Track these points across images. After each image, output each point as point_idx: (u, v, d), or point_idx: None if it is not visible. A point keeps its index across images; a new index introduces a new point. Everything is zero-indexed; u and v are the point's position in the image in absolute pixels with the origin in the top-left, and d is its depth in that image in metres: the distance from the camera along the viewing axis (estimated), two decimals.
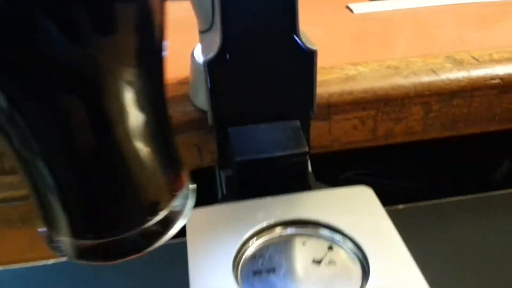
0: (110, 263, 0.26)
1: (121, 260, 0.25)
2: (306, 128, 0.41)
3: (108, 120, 0.22)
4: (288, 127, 0.40)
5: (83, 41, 0.20)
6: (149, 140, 0.24)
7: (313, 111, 0.40)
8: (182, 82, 0.48)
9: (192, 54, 0.46)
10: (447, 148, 0.63)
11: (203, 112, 0.45)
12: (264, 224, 0.36)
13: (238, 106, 0.40)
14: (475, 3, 0.67)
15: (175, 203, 0.26)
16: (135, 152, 0.24)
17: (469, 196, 0.55)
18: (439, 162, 0.65)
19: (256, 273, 0.33)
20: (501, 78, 0.48)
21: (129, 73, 0.22)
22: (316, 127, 0.47)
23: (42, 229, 0.27)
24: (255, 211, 0.37)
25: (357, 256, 0.33)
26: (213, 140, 0.46)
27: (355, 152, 0.51)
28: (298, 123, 0.40)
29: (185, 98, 0.46)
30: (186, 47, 0.49)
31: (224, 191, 0.45)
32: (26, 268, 0.51)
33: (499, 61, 0.49)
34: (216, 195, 0.57)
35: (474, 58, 0.50)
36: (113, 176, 0.24)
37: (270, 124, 0.41)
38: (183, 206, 0.27)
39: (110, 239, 0.25)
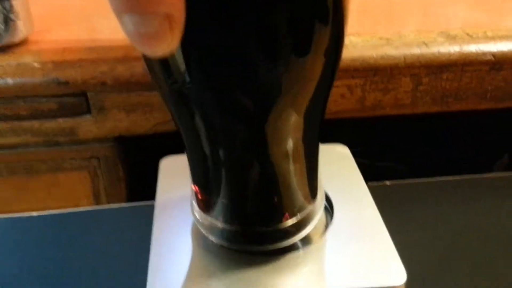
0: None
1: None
2: None
3: (269, 141, 0.25)
4: None
5: (279, 62, 0.22)
6: (302, 158, 0.28)
7: None
8: None
9: None
10: (440, 127, 0.63)
11: None
12: None
13: None
14: None
15: (308, 209, 0.29)
16: (287, 167, 0.27)
17: (458, 177, 0.55)
18: (432, 141, 0.65)
19: None
20: (494, 54, 0.48)
21: (304, 97, 0.24)
22: None
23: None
24: None
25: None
26: None
27: (343, 124, 0.50)
28: None
29: None
30: None
31: None
32: (11, 219, 0.51)
33: (493, 38, 0.49)
34: None
35: (467, 34, 0.49)
36: (266, 182, 0.28)
37: None
38: (314, 212, 0.30)
39: (254, 229, 0.29)
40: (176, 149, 0.60)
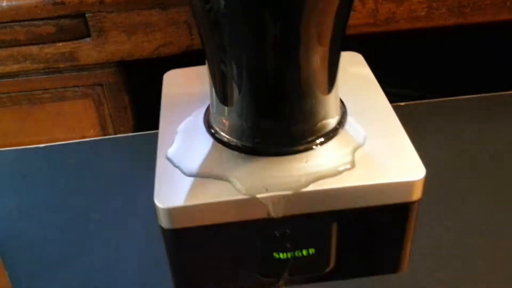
0: None
1: None
2: None
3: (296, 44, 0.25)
4: None
5: None
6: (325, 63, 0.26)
7: None
8: None
9: None
10: (457, 44, 0.60)
11: None
12: None
13: None
14: None
15: (327, 114, 0.28)
16: (312, 71, 0.26)
17: (472, 96, 0.52)
18: (446, 59, 0.62)
19: None
20: None
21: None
22: None
23: None
24: None
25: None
26: None
27: (355, 40, 0.48)
28: None
29: None
30: None
31: None
32: (18, 151, 0.50)
33: None
34: None
35: None
36: (291, 87, 0.27)
37: None
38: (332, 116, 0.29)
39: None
40: None
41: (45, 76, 0.47)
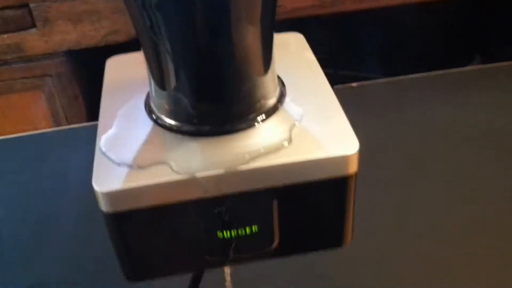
0: None
1: None
2: None
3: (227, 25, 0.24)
4: None
5: None
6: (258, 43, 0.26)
7: None
8: None
9: None
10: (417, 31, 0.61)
11: None
12: None
13: None
14: None
15: (263, 91, 0.28)
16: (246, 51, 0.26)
17: (427, 74, 0.53)
18: (399, 39, 0.63)
19: None
20: None
21: None
22: None
23: None
24: None
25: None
26: None
27: (302, 24, 0.49)
28: None
29: None
30: None
31: None
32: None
33: None
34: None
35: None
36: (225, 69, 0.26)
37: None
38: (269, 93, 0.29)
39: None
40: None
41: None
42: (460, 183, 0.40)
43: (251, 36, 0.27)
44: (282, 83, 0.31)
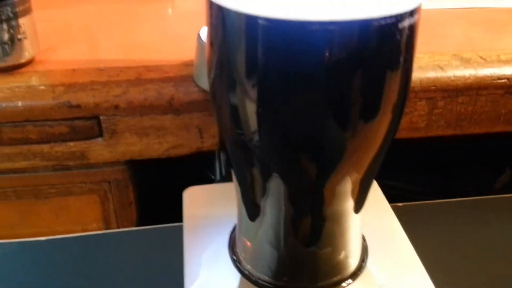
0: None
1: None
2: None
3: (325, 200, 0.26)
4: None
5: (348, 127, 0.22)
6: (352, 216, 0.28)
7: None
8: (187, 64, 0.48)
9: (199, 36, 0.46)
10: (450, 151, 0.63)
11: (207, 93, 0.44)
12: None
13: None
14: (484, 8, 0.66)
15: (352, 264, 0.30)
16: (339, 224, 0.28)
17: (469, 198, 0.55)
18: (442, 164, 0.65)
19: None
20: (508, 78, 0.48)
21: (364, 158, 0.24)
22: None
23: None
24: None
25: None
26: (215, 123, 0.45)
27: None
28: None
29: (189, 78, 0.46)
30: (192, 31, 0.49)
31: (224, 174, 0.44)
32: (18, 244, 0.50)
33: (507, 62, 0.49)
34: (215, 180, 0.57)
35: (481, 57, 0.49)
36: (317, 239, 0.28)
37: None
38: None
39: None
40: (185, 172, 0.59)
41: (53, 172, 0.47)
42: None
43: (349, 207, 0.28)
44: (364, 240, 0.32)
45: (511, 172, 0.77)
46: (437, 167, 0.68)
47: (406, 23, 0.20)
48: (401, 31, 0.20)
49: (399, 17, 0.20)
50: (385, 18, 0.19)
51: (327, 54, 0.20)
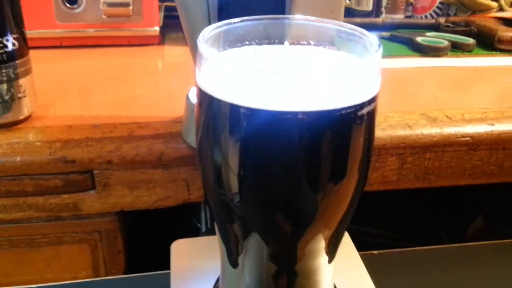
0: None
1: None
2: None
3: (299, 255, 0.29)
4: None
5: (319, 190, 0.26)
6: (325, 269, 0.31)
7: None
8: (176, 121, 0.52)
9: (187, 96, 0.50)
10: (423, 200, 0.67)
11: (194, 150, 0.48)
12: None
13: None
14: (451, 66, 0.72)
15: None
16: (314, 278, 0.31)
17: (443, 246, 0.58)
18: (416, 211, 0.69)
19: None
20: (471, 136, 0.52)
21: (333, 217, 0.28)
22: None
23: None
24: None
25: None
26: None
27: None
28: None
29: (178, 135, 0.49)
30: (181, 87, 0.52)
31: (209, 226, 0.47)
32: None
33: (470, 121, 0.53)
34: (200, 229, 0.60)
35: (447, 116, 0.54)
36: None
37: None
38: None
39: None
40: (172, 222, 0.62)
41: (46, 222, 0.50)
42: None
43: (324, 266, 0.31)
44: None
45: (483, 218, 0.81)
46: (411, 214, 0.72)
47: (364, 111, 0.24)
48: (360, 117, 0.24)
49: (358, 107, 0.24)
50: (345, 108, 0.23)
51: (298, 137, 0.23)
